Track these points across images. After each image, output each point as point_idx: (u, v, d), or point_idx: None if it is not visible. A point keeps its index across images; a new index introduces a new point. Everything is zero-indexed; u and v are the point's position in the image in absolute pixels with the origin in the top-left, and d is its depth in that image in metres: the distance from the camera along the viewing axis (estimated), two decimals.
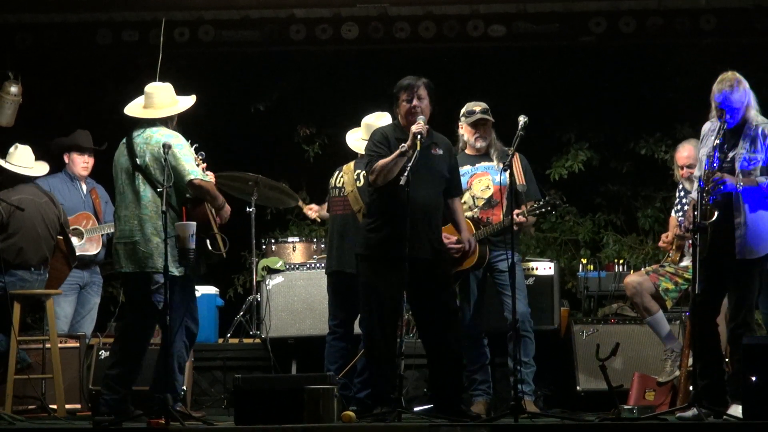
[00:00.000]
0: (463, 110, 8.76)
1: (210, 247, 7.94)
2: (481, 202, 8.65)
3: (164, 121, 8.17)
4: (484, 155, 8.74)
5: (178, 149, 7.96)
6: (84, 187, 9.96)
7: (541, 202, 8.49)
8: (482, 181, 8.59)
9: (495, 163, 8.58)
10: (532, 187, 8.77)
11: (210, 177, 8.28)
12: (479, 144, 8.72)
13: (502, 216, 8.52)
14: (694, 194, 7.66)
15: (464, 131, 8.78)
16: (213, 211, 8.07)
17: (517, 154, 8.42)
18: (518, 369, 7.92)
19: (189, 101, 8.32)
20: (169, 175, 7.81)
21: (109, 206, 9.82)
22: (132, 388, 8.08)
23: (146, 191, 7.99)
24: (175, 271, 7.91)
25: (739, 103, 7.57)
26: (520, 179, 8.53)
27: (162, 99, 8.21)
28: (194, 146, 8.18)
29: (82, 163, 9.91)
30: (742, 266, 7.56)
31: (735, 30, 10.80)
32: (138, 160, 8.01)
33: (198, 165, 8.05)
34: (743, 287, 7.60)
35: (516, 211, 8.33)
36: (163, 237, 7.75)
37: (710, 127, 7.71)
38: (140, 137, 8.08)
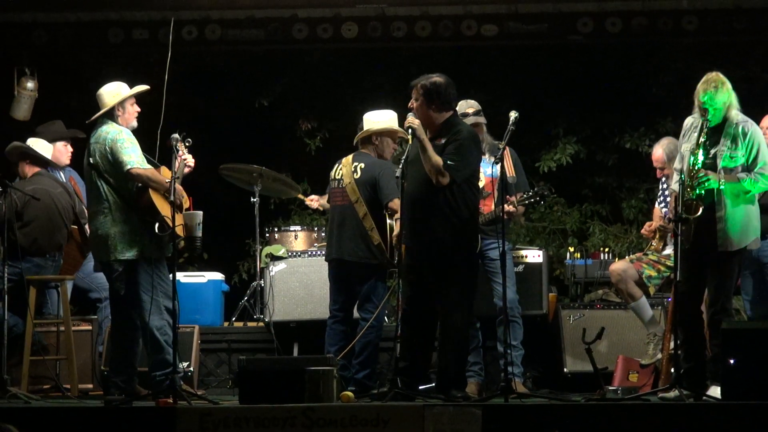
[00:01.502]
0: (456, 110, 8.70)
1: (157, 230, 7.97)
2: None
3: (112, 118, 8.20)
4: None
5: (120, 143, 8.04)
6: (62, 175, 9.82)
7: (531, 193, 8.46)
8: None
9: (486, 156, 8.54)
10: (522, 178, 8.76)
11: (190, 162, 8.26)
12: None
13: (493, 206, 8.50)
14: (675, 186, 7.66)
15: None
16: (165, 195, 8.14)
17: (507, 148, 8.40)
18: (508, 352, 7.90)
19: (127, 90, 8.28)
20: (114, 168, 7.99)
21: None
22: (137, 369, 8.13)
23: (102, 186, 8.10)
24: (130, 255, 8.02)
25: (722, 103, 7.57)
26: (510, 171, 8.50)
27: (106, 99, 8.24)
28: (182, 134, 8.16)
29: (66, 153, 9.84)
30: (723, 257, 7.57)
31: (715, 30, 10.77)
32: (91, 159, 8.12)
33: (179, 150, 8.11)
34: (723, 276, 7.61)
35: (508, 198, 8.32)
36: (121, 228, 7.98)
37: (692, 122, 7.71)
38: (93, 137, 8.20)
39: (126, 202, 8.05)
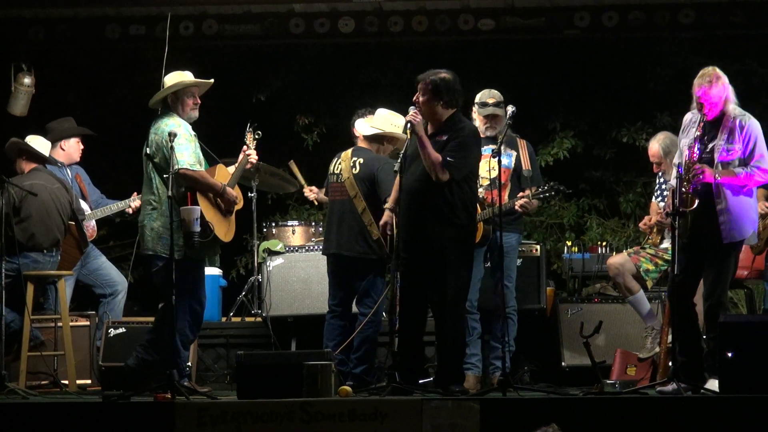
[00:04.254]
0: (477, 98, 8.72)
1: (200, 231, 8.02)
2: (485, 182, 8.56)
3: (173, 109, 8.19)
4: (491, 139, 8.63)
5: (177, 140, 7.97)
6: (69, 172, 9.77)
7: (546, 187, 8.46)
8: (489, 162, 8.51)
9: (503, 147, 8.49)
10: (536, 173, 8.79)
11: (253, 157, 8.33)
12: (489, 133, 8.65)
13: (506, 197, 8.50)
14: (673, 182, 7.67)
15: (477, 118, 8.74)
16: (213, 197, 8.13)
17: (524, 141, 8.58)
18: (506, 343, 7.91)
19: (184, 80, 8.31)
20: (168, 164, 7.90)
21: (92, 188, 9.88)
22: (160, 356, 8.05)
23: (155, 178, 8.11)
24: (174, 254, 7.96)
25: (718, 98, 7.59)
26: (526, 164, 8.56)
27: (163, 87, 8.29)
28: (253, 125, 8.18)
29: (78, 150, 9.80)
30: (724, 249, 7.59)
31: (712, 23, 10.76)
32: (147, 149, 8.12)
33: (247, 142, 8.26)
34: (721, 269, 7.62)
35: (520, 195, 8.34)
36: (164, 222, 7.98)
37: (691, 118, 7.73)
38: (153, 127, 8.20)
39: (174, 199, 7.97)
